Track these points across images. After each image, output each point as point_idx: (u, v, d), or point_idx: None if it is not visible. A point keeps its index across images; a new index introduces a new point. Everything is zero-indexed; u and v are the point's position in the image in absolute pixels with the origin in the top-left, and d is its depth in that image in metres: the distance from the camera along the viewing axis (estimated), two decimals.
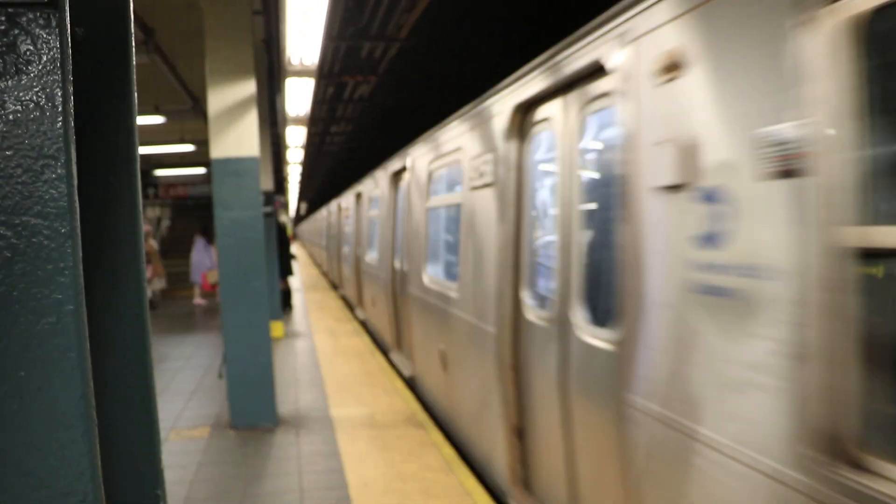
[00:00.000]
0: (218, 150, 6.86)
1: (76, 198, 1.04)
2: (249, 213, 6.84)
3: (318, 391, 8.12)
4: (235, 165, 6.84)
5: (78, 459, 1.04)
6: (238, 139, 6.87)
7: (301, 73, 7.21)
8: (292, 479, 5.43)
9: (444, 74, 12.81)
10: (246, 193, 6.84)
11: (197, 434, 6.67)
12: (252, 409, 6.78)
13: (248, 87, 6.90)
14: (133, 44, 1.29)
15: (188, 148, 14.42)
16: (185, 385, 8.68)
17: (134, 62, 1.30)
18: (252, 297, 6.79)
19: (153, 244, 16.40)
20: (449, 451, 5.90)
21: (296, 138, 13.69)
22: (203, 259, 15.60)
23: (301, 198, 56.63)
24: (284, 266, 15.07)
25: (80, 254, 1.05)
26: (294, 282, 18.30)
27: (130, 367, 1.39)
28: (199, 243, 15.84)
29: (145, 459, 1.41)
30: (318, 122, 17.74)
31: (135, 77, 1.32)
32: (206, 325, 13.66)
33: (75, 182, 1.04)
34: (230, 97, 6.88)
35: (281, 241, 14.36)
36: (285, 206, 32.71)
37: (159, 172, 19.58)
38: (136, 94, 1.33)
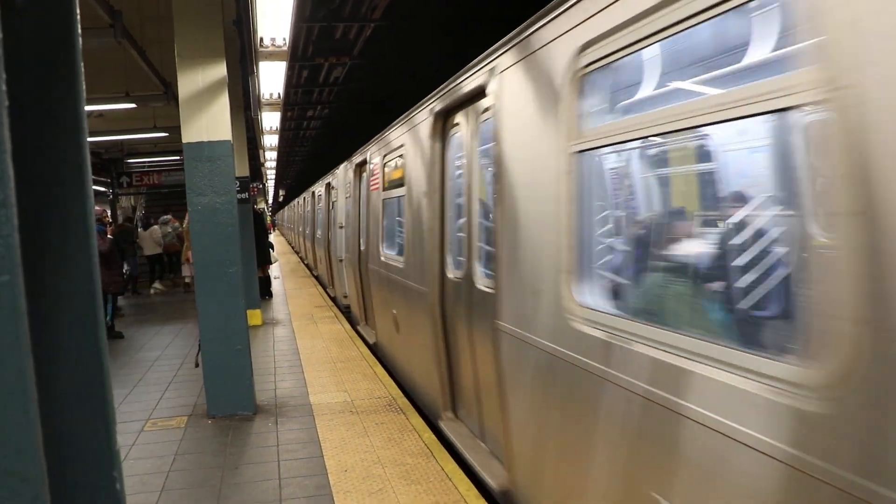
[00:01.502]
0: (189, 135, 6.73)
1: (10, 165, 0.98)
2: (223, 198, 6.71)
3: (298, 378, 8.04)
4: (208, 150, 6.71)
5: (18, 437, 0.98)
6: (210, 123, 6.74)
7: (273, 54, 7.07)
8: (271, 466, 5.36)
9: (421, 55, 12.68)
10: (219, 178, 6.72)
11: (174, 424, 6.57)
12: (229, 398, 6.69)
13: (219, 70, 6.76)
14: (77, 13, 1.24)
15: (161, 135, 14.17)
16: (162, 374, 8.56)
17: (79, 32, 1.25)
18: (227, 283, 6.68)
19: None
20: (429, 435, 5.86)
21: (271, 123, 13.49)
22: None
23: (279, 184, 56.19)
24: (262, 254, 14.92)
25: (16, 223, 0.99)
26: (273, 269, 18.15)
27: (81, 344, 1.34)
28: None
29: (100, 441, 1.36)
30: (293, 106, 17.52)
31: (80, 48, 1.27)
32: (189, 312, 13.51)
33: (9, 148, 0.98)
34: (200, 80, 6.74)
35: (258, 229, 14.21)
36: (262, 192, 32.42)
37: (132, 160, 19.28)
38: (82, 66, 1.28)
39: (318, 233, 17.08)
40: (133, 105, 11.26)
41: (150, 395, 7.58)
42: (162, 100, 10.99)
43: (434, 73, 9.53)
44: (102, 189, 21.90)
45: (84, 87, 1.28)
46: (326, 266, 15.32)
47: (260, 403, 7.00)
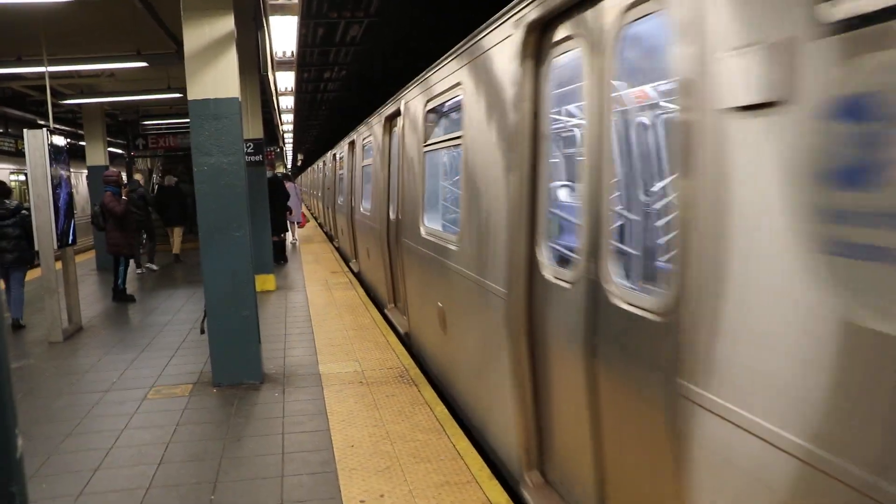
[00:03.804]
0: (195, 91, 6.42)
1: None
2: (230, 158, 6.42)
3: (308, 346, 7.80)
4: (214, 107, 6.41)
5: None
6: (216, 79, 6.42)
7: (285, 7, 6.72)
8: (275, 440, 5.12)
9: (440, 13, 12.20)
10: (225, 138, 6.41)
11: (178, 392, 6.35)
12: (235, 366, 6.45)
13: (227, 24, 6.42)
14: None
15: (175, 96, 13.85)
16: (171, 339, 8.37)
17: None
18: (234, 247, 6.41)
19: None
20: (442, 409, 5.59)
21: (286, 84, 13.12)
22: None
23: (298, 148, 55.85)
24: (279, 220, 14.68)
25: None
26: (288, 234, 17.96)
27: None
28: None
29: None
30: (309, 67, 17.12)
31: None
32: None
33: None
34: (207, 35, 6.41)
35: (275, 194, 13.93)
36: (280, 156, 32.14)
37: (148, 122, 19.00)
38: None
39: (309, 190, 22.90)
40: (144, 64, 10.92)
41: (157, 362, 7.38)
42: (174, 59, 10.65)
43: (454, 32, 9.12)
44: (119, 151, 21.72)
45: None
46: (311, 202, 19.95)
47: (268, 372, 6.77)
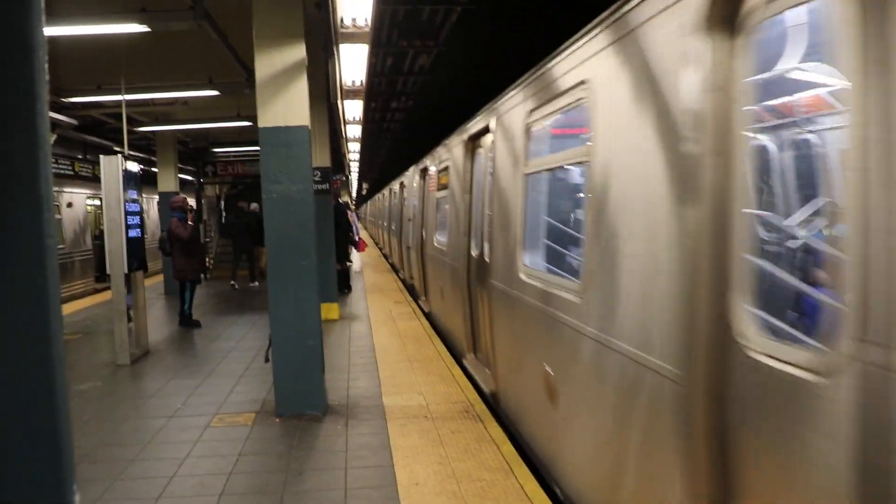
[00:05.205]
0: (266, 119, 6.44)
1: None
2: (299, 186, 6.40)
3: (372, 377, 7.69)
4: (284, 135, 6.41)
5: None
6: (287, 107, 6.43)
7: (355, 35, 6.72)
8: (338, 474, 4.98)
9: (510, 41, 12.13)
10: (295, 165, 6.40)
11: (241, 421, 6.29)
12: (299, 396, 6.36)
13: (298, 52, 6.44)
14: None
15: (244, 124, 14.10)
16: (234, 366, 8.36)
17: (41, 15, 1.06)
18: (301, 276, 6.36)
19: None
20: (509, 448, 5.37)
21: (354, 113, 13.21)
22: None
23: (362, 178, 56.52)
24: (342, 249, 14.68)
25: None
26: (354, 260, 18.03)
27: (29, 348, 1.02)
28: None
29: (49, 461, 1.03)
30: (377, 96, 17.26)
31: (42, 33, 1.06)
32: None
33: None
34: (279, 63, 6.43)
35: (339, 223, 13.96)
36: (346, 185, 32.45)
37: (217, 150, 19.42)
38: (45, 58, 1.05)
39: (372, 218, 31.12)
40: (216, 92, 11.14)
41: (221, 388, 7.36)
42: (244, 87, 10.83)
43: (523, 60, 9.01)
44: (189, 178, 22.26)
45: (46, 83, 1.05)
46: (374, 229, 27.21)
47: (331, 403, 6.66)
